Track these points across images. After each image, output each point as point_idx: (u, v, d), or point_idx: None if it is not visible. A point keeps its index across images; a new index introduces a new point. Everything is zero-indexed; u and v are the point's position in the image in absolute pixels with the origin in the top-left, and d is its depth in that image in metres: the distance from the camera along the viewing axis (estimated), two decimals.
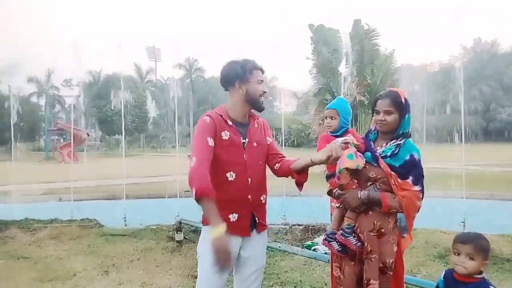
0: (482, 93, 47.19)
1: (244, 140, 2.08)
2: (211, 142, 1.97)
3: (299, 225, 5.48)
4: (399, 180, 2.03)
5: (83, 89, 44.26)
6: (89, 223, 5.73)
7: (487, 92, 47.50)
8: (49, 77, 45.33)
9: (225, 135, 2.03)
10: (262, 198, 2.15)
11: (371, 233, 2.05)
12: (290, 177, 2.18)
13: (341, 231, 2.10)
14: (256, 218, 2.11)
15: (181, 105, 37.69)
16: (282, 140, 11.01)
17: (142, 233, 5.51)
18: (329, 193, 2.26)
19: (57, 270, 4.29)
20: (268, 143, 2.20)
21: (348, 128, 2.32)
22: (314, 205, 8.78)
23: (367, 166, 2.09)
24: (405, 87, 15.86)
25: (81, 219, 5.95)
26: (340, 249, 2.13)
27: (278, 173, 2.21)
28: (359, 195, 2.05)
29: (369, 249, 2.04)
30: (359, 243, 2.06)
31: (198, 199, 1.80)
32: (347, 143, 2.05)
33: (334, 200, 2.27)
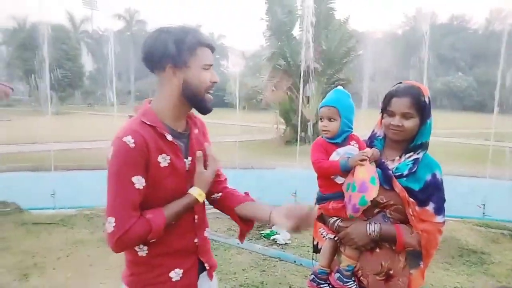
0: (420, 61, 49.33)
1: (186, 160, 1.37)
2: (139, 183, 1.24)
3: None
4: (417, 208, 1.54)
5: (6, 36, 39.14)
6: (5, 207, 4.76)
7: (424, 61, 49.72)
8: None
9: (164, 160, 1.28)
10: (206, 234, 1.49)
11: (377, 277, 1.56)
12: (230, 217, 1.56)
13: (337, 274, 1.59)
14: (206, 265, 1.46)
15: (121, 60, 34.85)
16: (237, 103, 10.19)
17: (73, 220, 4.69)
18: (320, 219, 1.71)
19: None
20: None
21: (351, 133, 1.67)
22: (269, 179, 8.40)
23: None
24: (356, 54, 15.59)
25: None
26: None
27: (216, 205, 1.57)
28: (368, 231, 1.52)
29: None
30: None
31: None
32: (363, 160, 1.50)
33: (323, 226, 1.73)
